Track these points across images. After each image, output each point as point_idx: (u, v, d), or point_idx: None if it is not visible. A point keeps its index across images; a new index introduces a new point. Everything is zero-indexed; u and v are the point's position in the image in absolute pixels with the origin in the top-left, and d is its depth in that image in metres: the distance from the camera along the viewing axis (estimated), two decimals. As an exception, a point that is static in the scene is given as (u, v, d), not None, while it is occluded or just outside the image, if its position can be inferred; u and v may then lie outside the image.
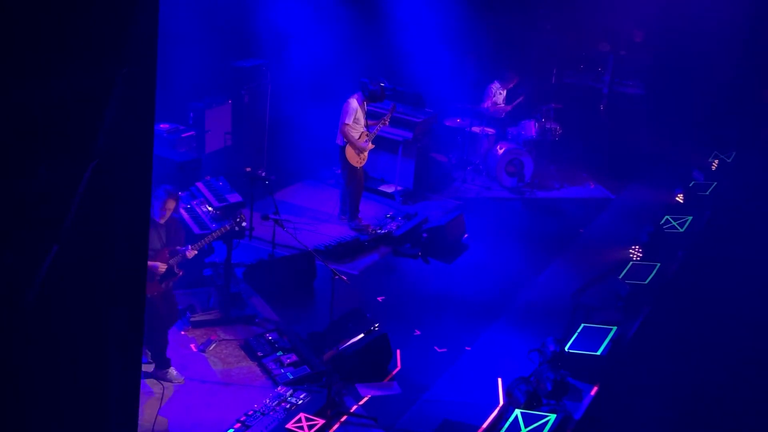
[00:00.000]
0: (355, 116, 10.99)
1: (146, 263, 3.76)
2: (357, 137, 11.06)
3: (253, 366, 8.30)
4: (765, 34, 16.04)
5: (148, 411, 7.36)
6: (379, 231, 11.34)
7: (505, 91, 14.07)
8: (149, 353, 7.94)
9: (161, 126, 10.74)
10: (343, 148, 11.12)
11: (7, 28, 2.94)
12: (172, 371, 7.95)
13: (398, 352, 8.77)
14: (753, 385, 8.98)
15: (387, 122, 11.45)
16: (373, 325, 8.39)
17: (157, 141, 7.86)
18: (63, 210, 3.25)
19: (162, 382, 7.85)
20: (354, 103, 11.01)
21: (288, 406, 7.70)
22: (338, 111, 11.20)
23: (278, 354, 8.39)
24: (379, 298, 9.99)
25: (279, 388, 7.97)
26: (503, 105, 14.04)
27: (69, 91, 3.19)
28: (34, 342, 3.30)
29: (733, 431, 8.36)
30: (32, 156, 3.14)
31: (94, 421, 3.66)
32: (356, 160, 11.17)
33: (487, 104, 13.92)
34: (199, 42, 10.81)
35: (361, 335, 8.04)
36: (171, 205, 7.72)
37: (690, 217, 12.20)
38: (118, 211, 3.52)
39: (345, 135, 11.01)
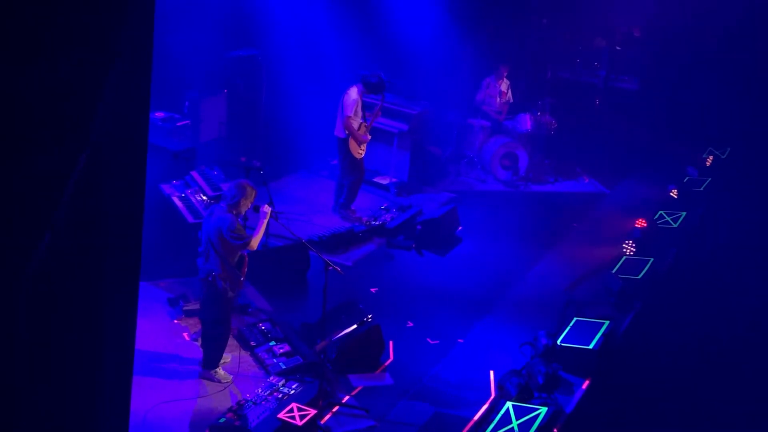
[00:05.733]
0: (356, 108, 10.96)
1: (140, 253, 3.74)
2: (357, 129, 11.04)
3: (246, 356, 8.30)
4: (760, 29, 16.05)
5: None
6: (373, 222, 11.34)
7: (503, 84, 13.97)
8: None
9: (156, 114, 10.72)
10: (345, 140, 11.06)
11: (0, 16, 2.93)
12: (220, 371, 7.93)
13: (391, 343, 8.78)
14: (746, 381, 9.00)
15: (379, 114, 11.43)
16: (366, 317, 8.40)
17: (152, 129, 7.83)
18: (56, 198, 3.24)
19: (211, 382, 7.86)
20: (354, 94, 10.96)
21: (280, 395, 7.70)
22: (333, 102, 11.16)
23: (271, 344, 8.39)
24: (373, 290, 9.99)
25: (271, 378, 7.97)
26: (500, 100, 13.97)
27: (64, 79, 3.18)
28: (26, 331, 3.29)
29: (726, 425, 8.39)
30: (25, 144, 3.13)
31: (86, 412, 3.66)
32: (358, 151, 11.14)
33: (480, 97, 13.92)
34: (195, 31, 10.77)
35: (354, 326, 8.05)
36: (252, 195, 7.57)
37: (684, 213, 12.22)
38: (113, 199, 3.51)
39: (347, 127, 10.96)
